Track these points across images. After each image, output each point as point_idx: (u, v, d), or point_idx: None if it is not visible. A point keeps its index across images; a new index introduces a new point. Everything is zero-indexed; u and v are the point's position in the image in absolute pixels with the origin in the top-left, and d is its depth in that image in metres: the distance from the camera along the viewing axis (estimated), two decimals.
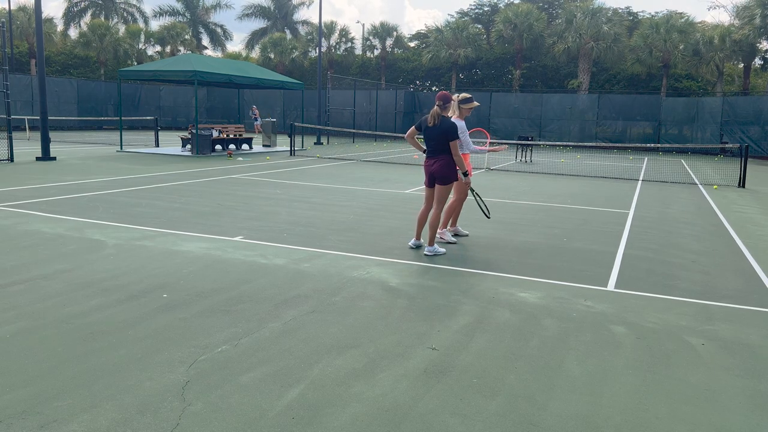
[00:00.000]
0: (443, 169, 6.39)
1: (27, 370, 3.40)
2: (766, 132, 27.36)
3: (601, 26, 35.58)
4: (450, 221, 7.40)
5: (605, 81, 38.08)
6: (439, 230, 7.16)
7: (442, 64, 41.05)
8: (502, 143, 23.95)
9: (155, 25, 47.57)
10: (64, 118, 31.04)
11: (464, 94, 7.13)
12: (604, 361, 3.82)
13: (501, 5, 44.49)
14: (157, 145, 22.12)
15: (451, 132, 6.31)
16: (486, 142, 7.20)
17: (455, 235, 7.45)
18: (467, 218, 8.65)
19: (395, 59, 44.81)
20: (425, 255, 6.42)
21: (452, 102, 6.92)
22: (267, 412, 3.03)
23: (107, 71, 41.49)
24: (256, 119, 24.67)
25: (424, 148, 6.64)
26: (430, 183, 6.58)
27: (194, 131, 18.82)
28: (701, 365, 3.81)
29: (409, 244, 6.82)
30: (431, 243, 6.49)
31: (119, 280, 5.16)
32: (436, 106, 6.37)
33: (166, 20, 47.45)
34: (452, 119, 7.02)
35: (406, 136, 6.90)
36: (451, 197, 7.19)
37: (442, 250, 6.59)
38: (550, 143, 23.65)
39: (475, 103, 7.18)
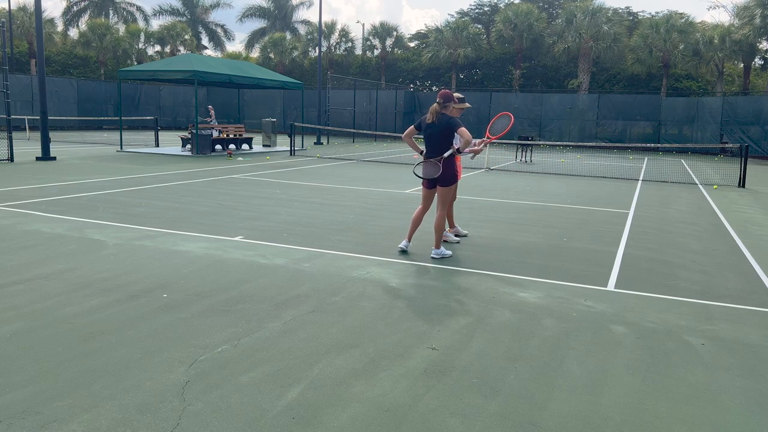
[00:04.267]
0: (445, 170, 6.18)
1: (27, 370, 3.40)
2: (766, 132, 27.36)
3: (601, 26, 35.60)
4: (448, 223, 7.39)
5: (605, 81, 38.09)
6: None
7: (442, 63, 41.06)
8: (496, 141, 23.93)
9: (155, 24, 47.72)
10: (64, 118, 31.07)
11: (457, 94, 7.01)
12: (604, 361, 3.82)
13: (501, 5, 44.51)
14: (157, 145, 22.12)
15: (453, 123, 6.10)
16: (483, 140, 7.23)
17: (455, 235, 7.44)
18: (467, 218, 8.65)
19: (395, 59, 44.80)
20: (432, 258, 6.30)
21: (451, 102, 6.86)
22: (267, 412, 3.03)
23: (107, 71, 41.50)
24: (210, 120, 23.14)
25: (421, 149, 6.41)
26: (431, 184, 6.39)
27: (194, 131, 18.83)
28: (701, 365, 3.81)
29: (400, 246, 6.52)
30: (438, 246, 6.37)
31: (119, 280, 5.16)
32: (435, 104, 6.19)
33: (166, 20, 47.55)
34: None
35: (403, 135, 6.53)
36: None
37: (449, 252, 6.49)
38: (550, 143, 23.64)
39: (467, 105, 6.95)
